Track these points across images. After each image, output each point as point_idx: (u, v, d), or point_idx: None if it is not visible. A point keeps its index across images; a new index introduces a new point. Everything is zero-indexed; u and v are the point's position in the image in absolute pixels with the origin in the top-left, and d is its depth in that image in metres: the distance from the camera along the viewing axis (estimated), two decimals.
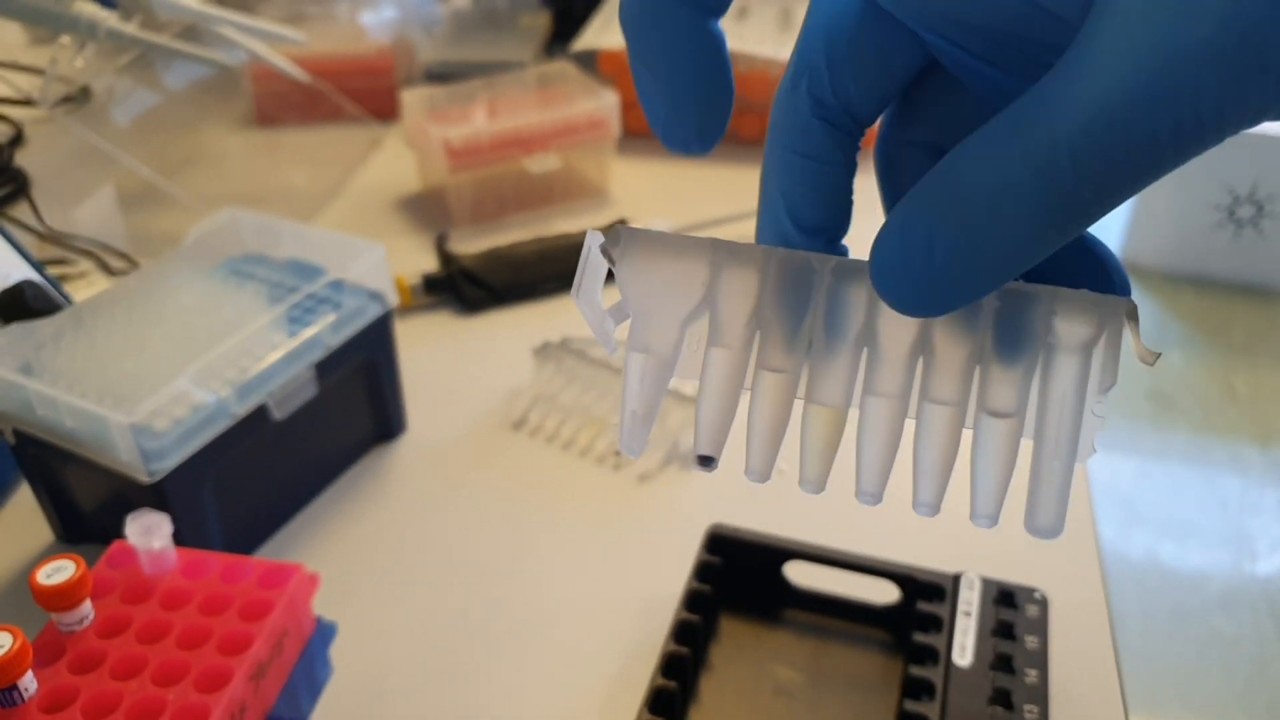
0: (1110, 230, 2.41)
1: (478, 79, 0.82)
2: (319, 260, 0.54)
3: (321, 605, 0.44)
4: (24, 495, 0.54)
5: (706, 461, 0.21)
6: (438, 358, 0.64)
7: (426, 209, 0.82)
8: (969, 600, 0.42)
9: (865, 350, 0.20)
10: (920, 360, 0.20)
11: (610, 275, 0.22)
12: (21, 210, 0.78)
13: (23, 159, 0.90)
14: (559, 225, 0.77)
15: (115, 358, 0.46)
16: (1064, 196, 0.17)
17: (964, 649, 0.40)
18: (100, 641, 0.34)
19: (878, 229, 0.19)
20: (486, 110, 0.80)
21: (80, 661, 0.34)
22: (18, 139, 0.93)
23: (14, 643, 0.31)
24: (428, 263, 0.72)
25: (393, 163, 0.89)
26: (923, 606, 0.42)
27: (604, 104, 0.78)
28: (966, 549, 0.47)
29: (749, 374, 0.21)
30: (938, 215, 0.18)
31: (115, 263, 0.73)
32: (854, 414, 0.21)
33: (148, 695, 0.32)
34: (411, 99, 0.80)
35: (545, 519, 0.52)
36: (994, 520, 0.20)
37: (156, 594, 0.36)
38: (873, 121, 0.23)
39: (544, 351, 0.60)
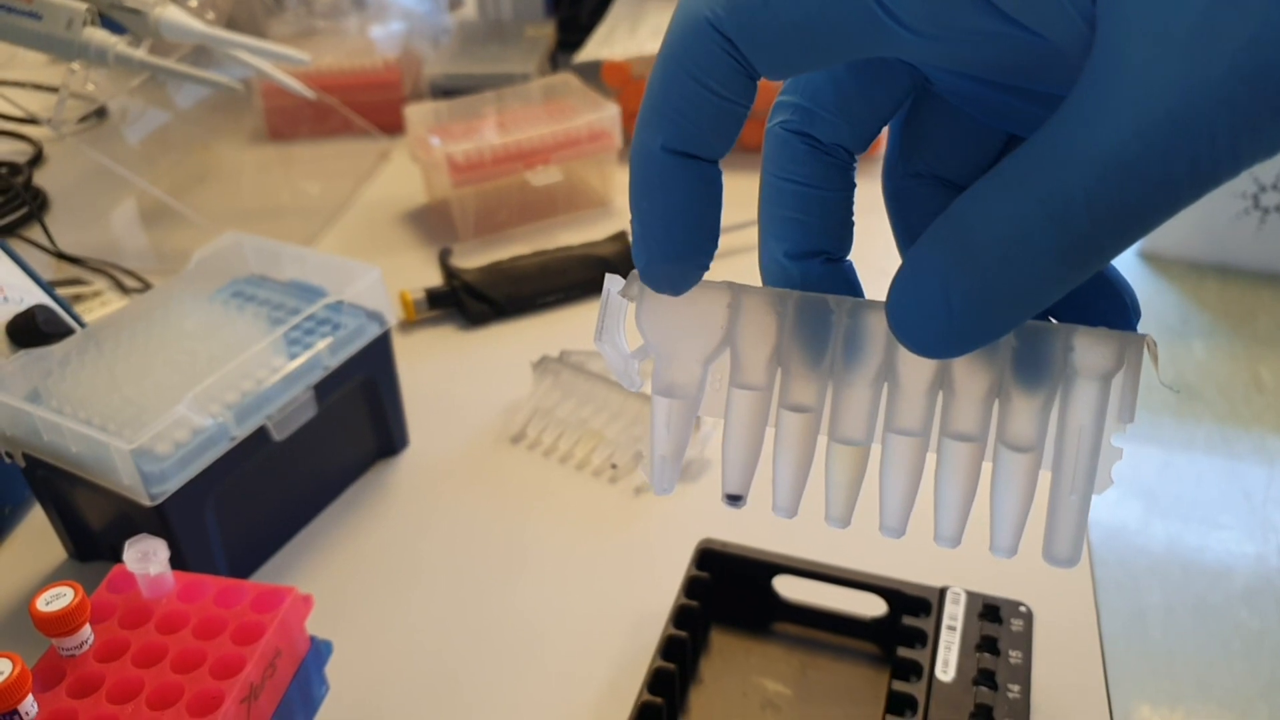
0: None
1: (482, 92, 0.83)
2: (318, 282, 0.55)
3: (321, 622, 0.45)
4: (38, 514, 0.56)
5: (734, 500, 0.22)
6: (440, 372, 0.66)
7: (431, 222, 0.83)
8: (954, 614, 0.42)
9: (885, 386, 0.20)
10: (940, 394, 0.20)
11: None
12: (36, 231, 0.80)
13: (41, 178, 0.92)
14: (562, 237, 0.78)
15: (119, 384, 0.47)
16: (1080, 241, 0.17)
17: (947, 664, 0.41)
18: (99, 665, 0.36)
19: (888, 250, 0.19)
20: (490, 124, 0.81)
21: (79, 686, 0.35)
22: (38, 159, 0.95)
23: (13, 669, 0.32)
24: (432, 277, 0.74)
25: (400, 176, 0.91)
26: (908, 621, 0.42)
27: (606, 115, 0.79)
28: (955, 562, 0.47)
29: (772, 412, 0.21)
30: (954, 261, 0.18)
31: (129, 282, 0.74)
32: (876, 448, 0.21)
33: (144, 719, 0.34)
34: (415, 114, 0.81)
35: (542, 533, 0.53)
36: (1013, 552, 0.20)
37: (154, 618, 0.37)
38: (864, 150, 0.23)
39: (542, 366, 0.61)
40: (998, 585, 0.44)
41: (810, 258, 0.22)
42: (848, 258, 0.23)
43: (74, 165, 0.95)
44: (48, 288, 0.60)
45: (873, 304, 0.20)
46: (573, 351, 0.62)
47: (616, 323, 0.22)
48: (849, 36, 0.18)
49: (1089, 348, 0.19)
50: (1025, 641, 0.41)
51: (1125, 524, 1.74)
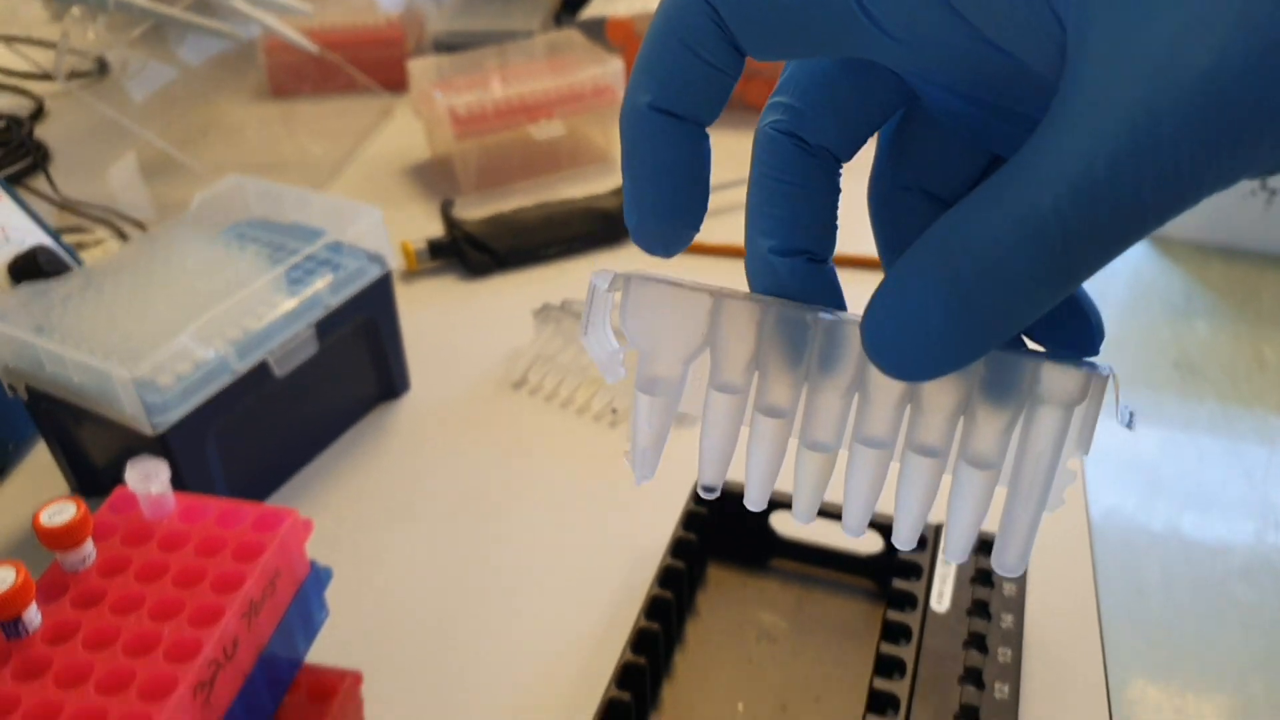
0: None
1: (486, 48, 0.83)
2: (320, 224, 0.55)
3: (321, 555, 0.45)
4: (41, 450, 0.56)
5: (709, 490, 0.23)
6: (441, 320, 0.66)
7: (434, 177, 0.83)
8: None
9: (856, 397, 0.21)
10: (908, 408, 0.21)
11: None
12: (40, 182, 0.80)
13: (42, 132, 0.92)
14: (564, 191, 0.78)
15: (121, 318, 0.47)
16: (1056, 262, 0.17)
17: (942, 595, 0.41)
18: (101, 580, 0.36)
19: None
20: (493, 78, 0.81)
21: (82, 598, 0.35)
22: (38, 113, 0.95)
23: (17, 577, 0.33)
24: (434, 229, 0.74)
25: (402, 132, 0.91)
26: (903, 555, 0.42)
27: (609, 71, 0.78)
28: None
29: (748, 412, 0.22)
30: (931, 284, 0.18)
31: (130, 230, 0.75)
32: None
33: (145, 630, 0.34)
34: (419, 68, 0.81)
35: (542, 473, 0.54)
36: (964, 557, 0.21)
37: (155, 537, 0.38)
38: (851, 157, 0.23)
39: (544, 313, 0.61)
40: (993, 524, 0.44)
41: (794, 255, 0.23)
42: (830, 260, 0.23)
43: (75, 120, 0.95)
44: (50, 230, 0.60)
45: (849, 320, 0.21)
46: (575, 301, 0.62)
47: (602, 317, 0.22)
48: (830, 29, 0.19)
49: (1055, 379, 0.20)
50: (1020, 574, 0.41)
51: (1125, 500, 1.74)
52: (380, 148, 0.89)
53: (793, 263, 0.22)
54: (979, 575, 0.42)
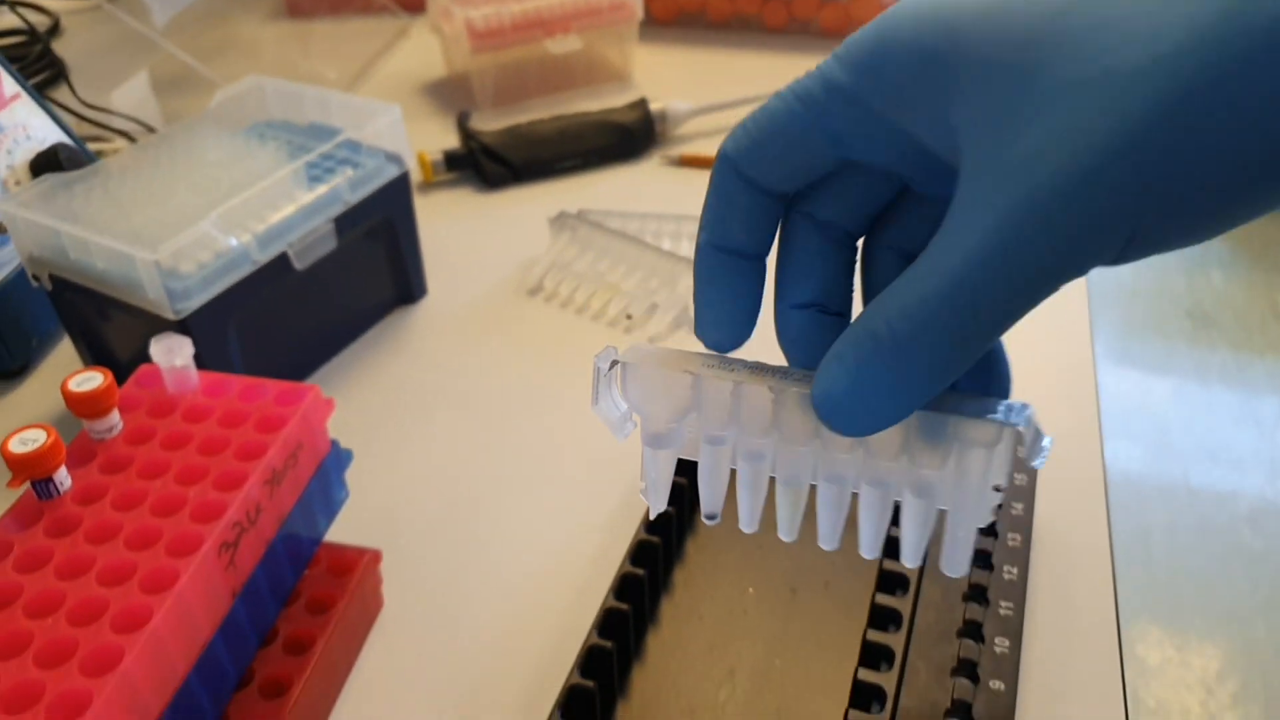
0: None
1: None
2: (338, 123, 0.55)
3: (343, 442, 0.46)
4: (65, 347, 0.57)
5: (711, 518, 0.28)
6: (458, 230, 0.66)
7: (451, 93, 0.83)
8: None
9: (819, 442, 0.25)
10: (861, 451, 0.25)
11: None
12: (61, 94, 0.80)
13: (59, 47, 0.92)
14: (581, 109, 0.77)
15: (142, 206, 0.48)
16: (963, 333, 0.21)
17: None
18: (128, 448, 0.37)
19: None
20: None
21: (110, 464, 0.36)
22: (55, 29, 0.95)
23: (47, 438, 0.34)
24: (451, 144, 0.74)
25: (419, 51, 0.90)
26: None
27: None
28: None
29: (733, 456, 0.27)
30: (864, 354, 0.22)
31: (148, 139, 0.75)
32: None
33: (171, 493, 0.35)
34: None
35: (558, 377, 0.54)
36: (918, 562, 0.26)
37: (180, 409, 0.38)
38: (863, 232, 0.27)
39: (560, 221, 0.61)
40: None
41: (808, 309, 0.27)
42: (847, 311, 0.28)
43: (91, 36, 0.95)
44: (71, 133, 0.61)
45: (803, 394, 0.25)
46: (590, 210, 0.63)
47: (607, 389, 0.27)
48: (821, 163, 0.25)
49: (972, 430, 0.24)
50: (1028, 494, 0.42)
51: (1134, 447, 1.75)
52: (396, 66, 0.89)
53: (806, 314, 0.27)
54: None
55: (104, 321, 0.50)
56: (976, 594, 0.37)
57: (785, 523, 0.27)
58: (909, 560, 0.26)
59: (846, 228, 0.27)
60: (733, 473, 0.27)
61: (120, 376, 0.53)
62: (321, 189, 0.50)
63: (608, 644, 0.36)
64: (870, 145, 0.24)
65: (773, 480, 0.27)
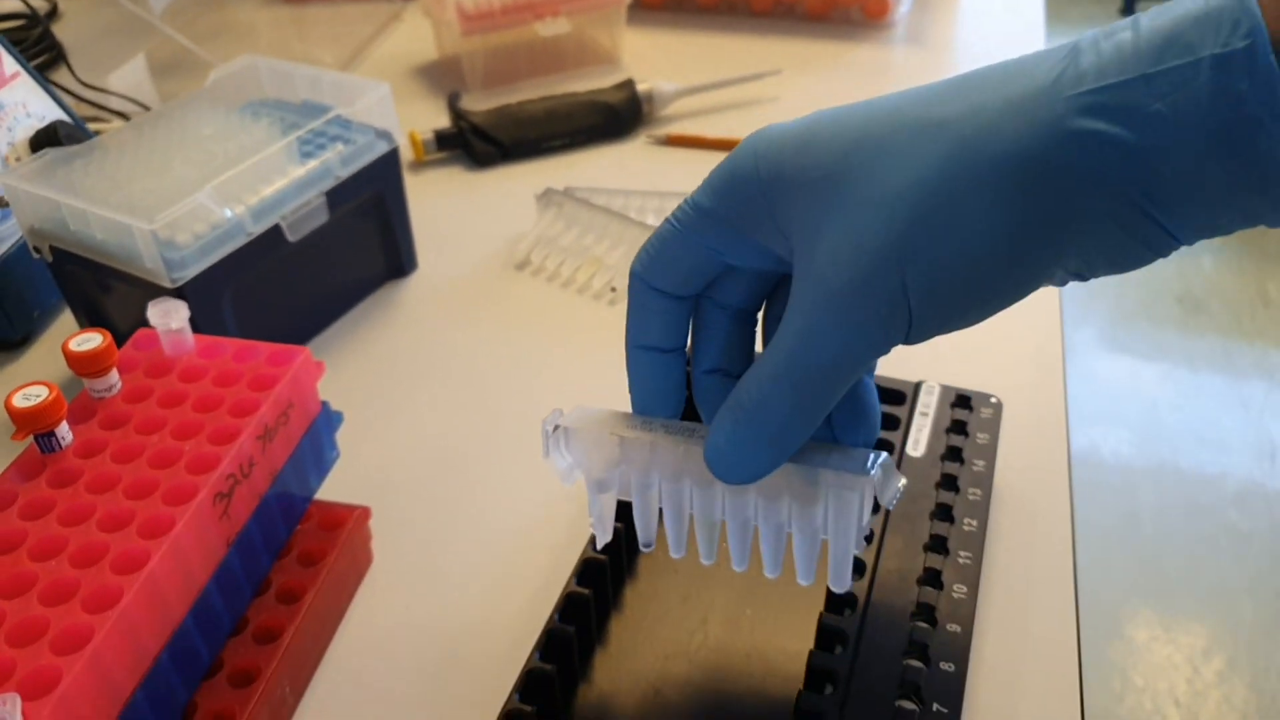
0: None
1: None
2: (330, 101, 0.57)
3: (335, 407, 0.47)
4: (65, 320, 0.59)
5: (646, 546, 0.34)
6: (448, 207, 0.68)
7: (441, 76, 0.84)
8: (927, 403, 0.45)
9: (722, 487, 0.31)
10: (754, 493, 0.31)
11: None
12: (60, 76, 0.82)
13: (59, 31, 0.93)
14: (570, 90, 0.79)
15: (139, 179, 0.49)
16: (797, 401, 0.27)
17: (918, 443, 0.43)
18: (126, 406, 0.38)
19: None
20: None
21: (109, 420, 0.38)
22: (53, 13, 0.97)
23: (49, 394, 0.35)
24: (442, 124, 0.75)
25: (411, 35, 0.92)
26: (884, 409, 0.45)
27: None
28: (931, 371, 0.49)
29: (660, 497, 0.33)
30: (733, 419, 0.29)
31: None
32: None
33: (168, 446, 0.37)
34: None
35: (544, 347, 0.56)
36: (811, 581, 0.32)
37: (176, 370, 0.40)
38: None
39: (547, 197, 0.63)
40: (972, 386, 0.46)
41: (714, 373, 0.33)
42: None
43: (90, 20, 0.96)
44: (69, 110, 0.62)
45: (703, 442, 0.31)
46: (577, 187, 0.64)
47: (554, 446, 0.33)
48: (710, 271, 0.31)
49: (838, 480, 0.29)
50: (993, 426, 0.44)
51: (1125, 431, 1.76)
52: (389, 49, 0.90)
53: (712, 379, 0.33)
54: (954, 426, 0.44)
55: (103, 292, 0.52)
56: (937, 544, 0.39)
57: (705, 547, 0.33)
58: (803, 578, 0.32)
59: (742, 307, 0.33)
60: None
61: (120, 344, 0.54)
62: (313, 163, 0.52)
63: (586, 592, 0.37)
64: (737, 252, 0.30)
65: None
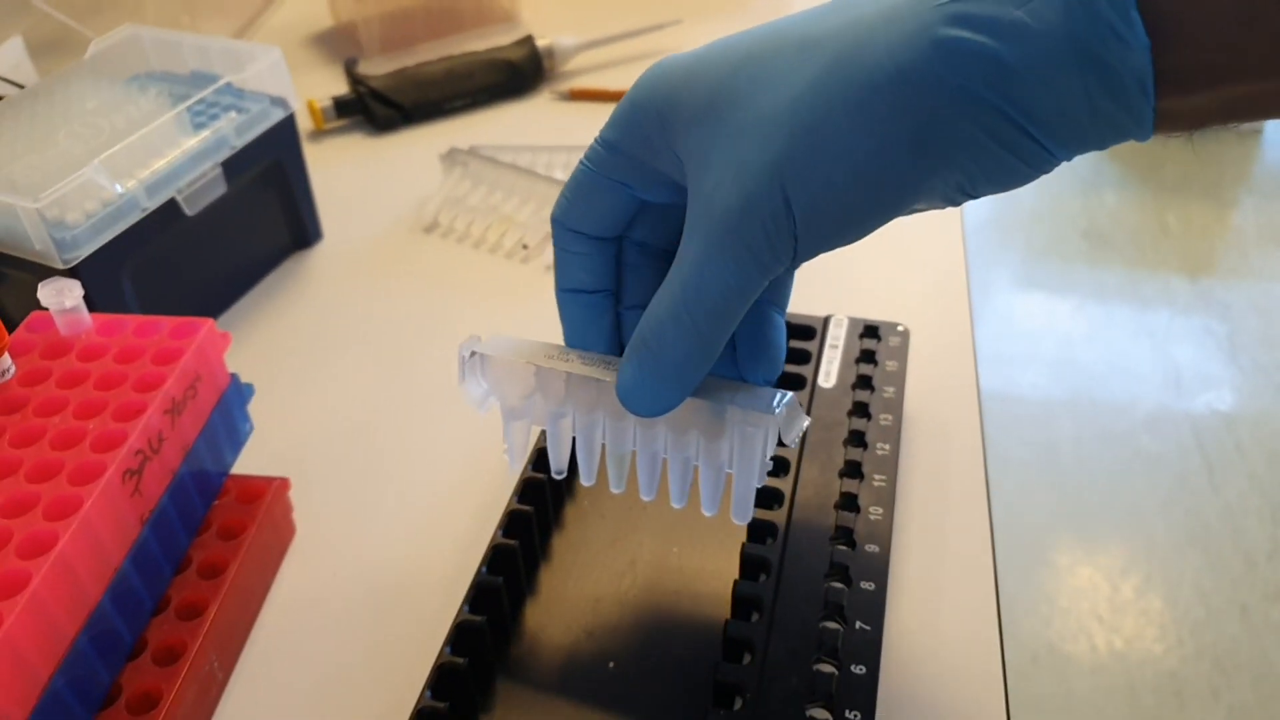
0: None
1: None
2: (219, 70, 0.55)
3: (247, 380, 0.47)
4: None
5: (559, 473, 0.34)
6: (351, 174, 0.66)
7: (338, 43, 0.82)
8: (836, 336, 0.46)
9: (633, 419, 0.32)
10: (664, 426, 0.32)
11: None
12: None
13: None
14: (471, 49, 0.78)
15: (21, 156, 0.47)
16: (695, 333, 0.28)
17: (829, 374, 0.44)
18: (23, 389, 0.37)
19: None
20: None
21: (5, 405, 0.36)
22: None
23: None
24: (342, 91, 0.73)
25: (304, 3, 0.89)
26: (793, 344, 0.45)
27: None
28: (840, 306, 0.50)
29: (573, 425, 0.33)
30: (637, 355, 0.29)
31: None
32: None
33: (70, 427, 0.36)
34: None
35: (458, 309, 0.55)
36: (714, 511, 0.32)
37: (74, 350, 0.39)
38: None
39: (451, 157, 0.62)
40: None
41: (637, 309, 0.33)
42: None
43: None
44: None
45: (613, 381, 0.31)
46: (482, 145, 0.63)
47: (471, 374, 0.33)
48: (620, 205, 0.32)
49: (743, 416, 0.30)
50: (902, 353, 0.45)
51: (1043, 365, 1.82)
52: (282, 19, 0.88)
53: (635, 314, 0.33)
54: (863, 355, 0.45)
55: None
56: (852, 469, 0.39)
57: (614, 478, 0.34)
58: (707, 509, 0.32)
59: (662, 246, 0.33)
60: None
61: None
62: (206, 134, 0.51)
63: (513, 543, 0.38)
64: (646, 186, 0.31)
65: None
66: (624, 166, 0.31)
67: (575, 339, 0.34)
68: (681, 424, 0.31)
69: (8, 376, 0.38)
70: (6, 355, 0.38)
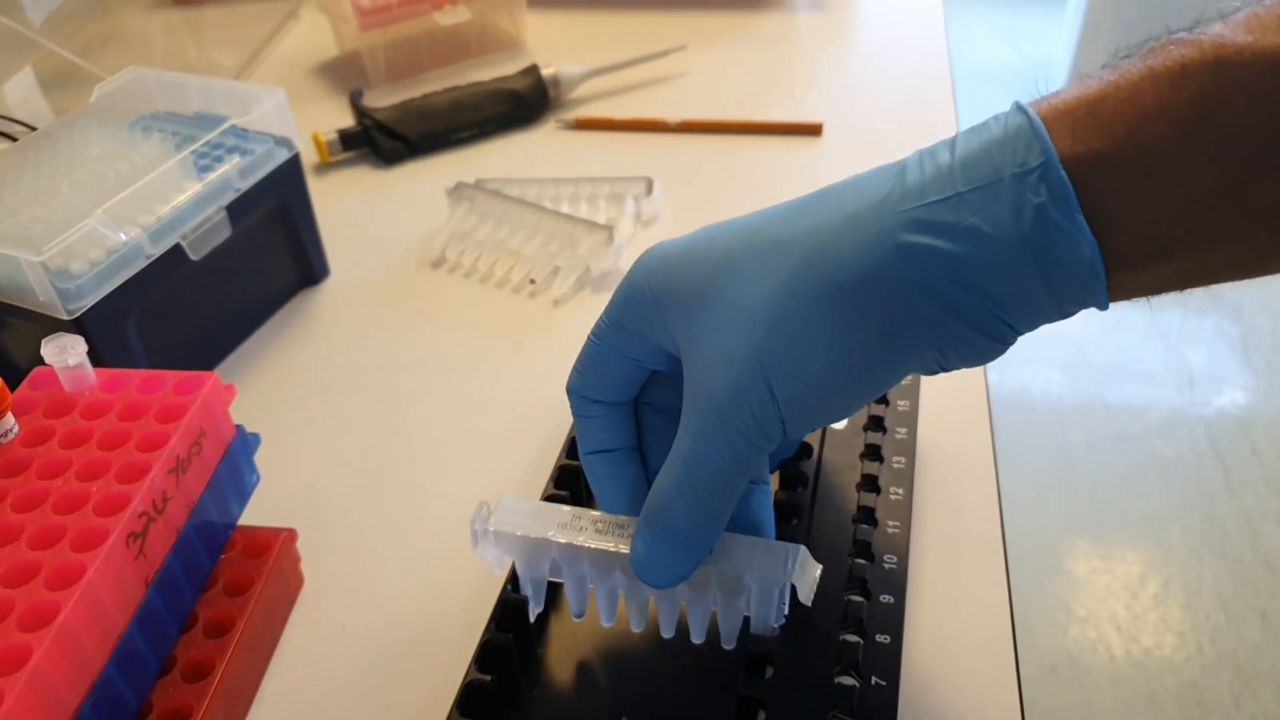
0: (1059, 65, 2.41)
1: None
2: (224, 111, 0.55)
3: (253, 428, 0.46)
4: None
5: (578, 616, 0.36)
6: (357, 208, 0.66)
7: (343, 73, 0.82)
8: None
9: None
10: (686, 588, 0.33)
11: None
12: None
13: None
14: (475, 79, 0.77)
15: (25, 206, 0.47)
16: (699, 505, 0.30)
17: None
18: (25, 450, 0.37)
19: None
20: None
21: (7, 468, 0.36)
22: None
23: None
24: (346, 123, 0.73)
25: (309, 32, 0.89)
26: None
27: None
28: None
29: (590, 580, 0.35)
30: (648, 529, 0.31)
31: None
32: None
33: (73, 490, 0.35)
34: None
35: (465, 344, 0.55)
36: (734, 645, 0.34)
37: (77, 407, 0.39)
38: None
39: (458, 191, 0.62)
40: None
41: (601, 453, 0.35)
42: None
43: None
44: None
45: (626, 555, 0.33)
46: (488, 179, 0.63)
47: (485, 540, 0.35)
48: (629, 373, 0.34)
49: (762, 574, 0.32)
50: (913, 391, 0.44)
51: (1054, 370, 1.80)
52: (287, 49, 0.88)
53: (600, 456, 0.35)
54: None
55: (2, 335, 0.50)
56: (865, 516, 0.39)
57: (634, 621, 0.36)
58: (726, 644, 0.34)
59: (676, 407, 0.34)
60: None
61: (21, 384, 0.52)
62: (210, 177, 0.50)
63: (522, 596, 0.37)
64: (651, 358, 0.33)
65: None
66: (628, 341, 0.33)
67: (605, 499, 0.35)
68: (701, 584, 0.33)
69: (10, 437, 0.37)
70: (10, 415, 0.37)
